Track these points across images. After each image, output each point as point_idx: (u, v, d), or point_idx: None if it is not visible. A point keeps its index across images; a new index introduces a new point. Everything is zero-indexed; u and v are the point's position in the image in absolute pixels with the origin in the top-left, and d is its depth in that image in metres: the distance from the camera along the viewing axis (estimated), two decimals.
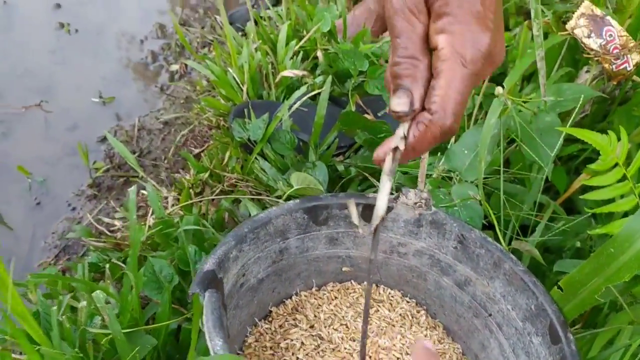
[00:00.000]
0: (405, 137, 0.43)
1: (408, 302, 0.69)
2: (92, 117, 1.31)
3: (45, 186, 1.20)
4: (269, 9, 1.24)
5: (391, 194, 0.45)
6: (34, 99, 1.31)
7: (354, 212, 0.46)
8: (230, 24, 1.41)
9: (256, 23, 1.13)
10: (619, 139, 0.72)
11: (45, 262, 1.09)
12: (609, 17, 0.77)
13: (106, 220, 0.98)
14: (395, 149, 0.43)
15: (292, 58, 0.99)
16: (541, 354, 0.53)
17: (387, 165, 0.43)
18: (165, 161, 1.18)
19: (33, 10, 1.43)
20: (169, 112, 1.31)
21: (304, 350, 0.60)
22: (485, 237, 0.61)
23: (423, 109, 0.42)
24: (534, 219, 0.72)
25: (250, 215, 0.80)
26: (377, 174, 0.85)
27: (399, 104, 0.42)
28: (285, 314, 0.65)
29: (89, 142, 1.26)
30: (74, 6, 1.45)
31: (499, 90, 0.68)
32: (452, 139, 0.75)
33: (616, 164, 0.62)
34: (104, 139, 1.27)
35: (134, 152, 1.24)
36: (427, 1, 0.43)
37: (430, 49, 0.43)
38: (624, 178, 0.62)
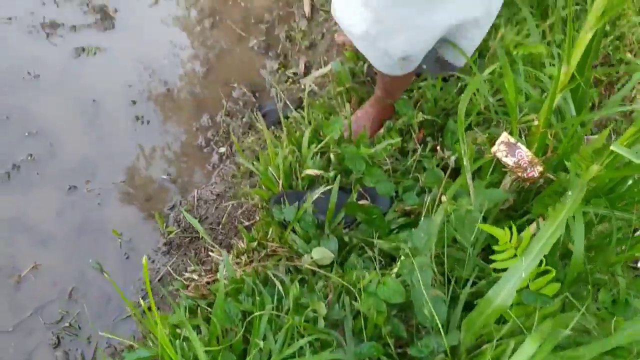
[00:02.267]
0: None
1: None
2: (163, 190, 1.74)
3: (131, 244, 1.64)
4: (293, 111, 1.68)
5: None
6: (119, 177, 1.75)
7: None
8: (263, 116, 1.86)
9: (286, 118, 1.57)
10: (529, 223, 1.14)
11: (136, 302, 1.51)
12: (519, 144, 1.18)
13: (186, 274, 1.40)
14: None
15: (312, 158, 1.42)
16: None
17: None
18: (220, 226, 1.61)
19: (115, 106, 1.89)
20: (220, 186, 1.74)
21: None
22: None
23: None
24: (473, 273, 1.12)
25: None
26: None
27: None
28: None
29: (161, 209, 1.70)
30: (145, 103, 1.90)
31: (444, 197, 1.10)
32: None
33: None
34: (172, 207, 1.71)
35: (194, 218, 1.67)
36: None
37: None
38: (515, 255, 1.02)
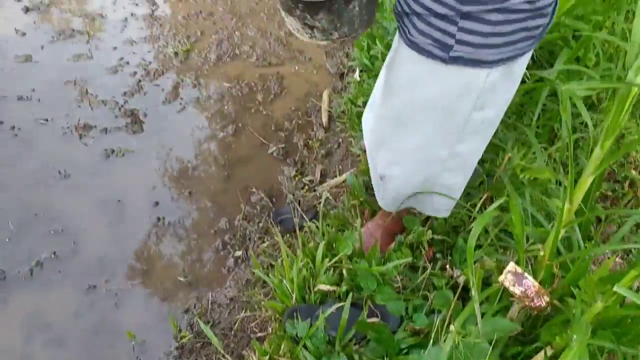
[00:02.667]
0: None
1: None
2: (179, 291, 1.79)
3: (144, 347, 1.66)
4: (308, 222, 1.75)
5: None
6: (137, 277, 1.81)
7: None
8: (280, 223, 1.93)
9: (301, 228, 1.63)
10: (537, 351, 1.16)
11: None
12: (526, 274, 1.23)
13: None
14: None
15: (325, 272, 1.47)
16: None
17: None
18: (232, 333, 1.64)
19: (138, 207, 1.97)
20: (234, 290, 1.78)
21: None
22: None
23: None
24: None
25: None
26: None
27: None
28: None
29: (175, 312, 1.74)
30: (167, 204, 1.99)
31: (452, 327, 1.13)
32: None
33: None
34: (187, 310, 1.75)
35: (207, 322, 1.70)
36: None
37: None
38: None
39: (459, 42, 1.01)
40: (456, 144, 1.23)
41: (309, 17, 1.10)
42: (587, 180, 1.08)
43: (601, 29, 1.85)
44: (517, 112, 1.85)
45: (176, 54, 2.50)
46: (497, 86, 1.11)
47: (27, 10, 2.67)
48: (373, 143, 1.36)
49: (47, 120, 2.20)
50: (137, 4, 2.74)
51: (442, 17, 1.00)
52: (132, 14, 2.69)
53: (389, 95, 1.23)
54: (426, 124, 1.19)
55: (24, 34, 2.55)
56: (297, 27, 1.14)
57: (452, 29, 1.00)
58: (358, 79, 2.34)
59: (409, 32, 1.06)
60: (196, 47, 2.55)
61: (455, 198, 1.39)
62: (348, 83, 2.39)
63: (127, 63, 2.45)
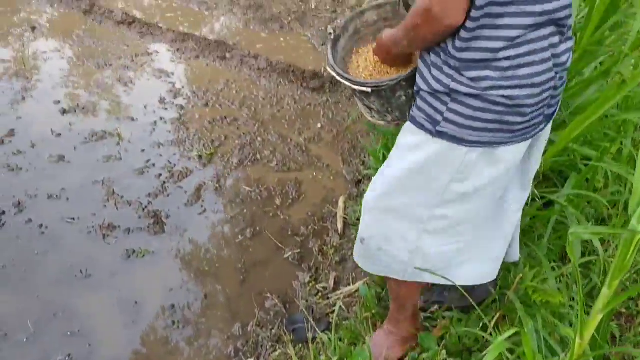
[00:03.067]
0: None
1: None
2: None
3: None
4: (318, 333, 1.77)
5: None
6: None
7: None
8: (293, 331, 1.95)
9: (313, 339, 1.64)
10: None
11: None
12: None
13: None
14: None
15: None
16: None
17: None
18: None
19: (154, 309, 2.01)
20: None
21: None
22: None
23: None
24: None
25: None
26: None
27: None
28: None
29: None
30: (183, 307, 2.02)
31: None
32: None
33: None
34: None
35: None
36: None
37: None
38: None
39: (446, 120, 1.20)
40: (435, 208, 1.35)
41: (365, 99, 1.37)
42: (596, 318, 1.11)
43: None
44: (528, 231, 1.90)
45: (200, 157, 2.63)
46: (478, 165, 1.26)
47: (64, 112, 2.85)
48: (365, 209, 1.46)
49: (73, 219, 2.29)
50: (166, 109, 2.92)
51: (436, 96, 1.20)
52: (161, 118, 2.85)
53: (387, 164, 1.40)
54: (411, 185, 1.34)
55: (59, 135, 2.71)
56: (361, 107, 1.45)
57: (442, 108, 1.20)
58: None
59: (411, 108, 1.28)
60: (220, 151, 2.68)
61: (439, 276, 1.43)
62: (363, 191, 2.47)
63: (154, 165, 2.57)
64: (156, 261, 2.18)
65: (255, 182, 2.54)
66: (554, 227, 1.88)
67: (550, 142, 1.83)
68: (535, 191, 1.86)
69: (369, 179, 2.50)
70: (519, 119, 1.18)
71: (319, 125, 2.88)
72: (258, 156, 2.68)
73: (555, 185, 2.08)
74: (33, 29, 3.48)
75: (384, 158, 2.41)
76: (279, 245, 2.27)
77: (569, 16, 1.16)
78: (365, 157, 2.64)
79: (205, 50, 3.35)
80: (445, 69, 1.17)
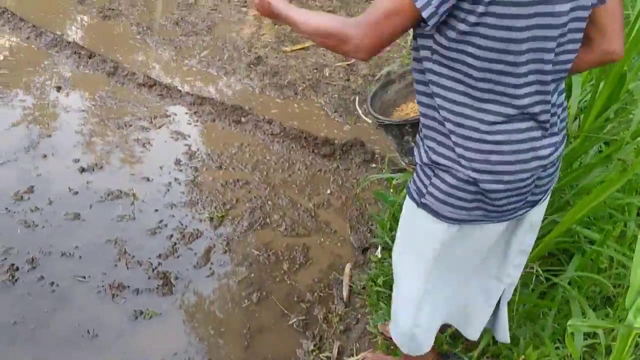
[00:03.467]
0: None
1: None
2: None
3: None
4: None
5: None
6: None
7: None
8: None
9: None
10: None
11: None
12: None
13: None
14: None
15: None
16: None
17: None
18: None
19: None
20: None
21: None
22: None
23: None
24: None
25: None
26: None
27: None
28: None
29: None
30: (186, 355, 2.03)
31: None
32: None
33: None
34: None
35: None
36: None
37: None
38: None
39: (429, 193, 1.27)
40: (425, 283, 1.43)
41: (384, 133, 1.59)
42: None
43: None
44: (531, 312, 1.91)
45: (211, 219, 2.69)
46: (456, 243, 1.34)
47: (82, 170, 2.94)
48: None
49: (84, 277, 2.34)
50: (181, 170, 3.00)
51: (423, 169, 1.28)
52: (175, 179, 2.94)
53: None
54: (407, 254, 1.46)
55: (76, 193, 2.80)
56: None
57: (427, 181, 1.28)
58: (379, 256, 2.46)
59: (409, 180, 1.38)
60: (231, 214, 2.74)
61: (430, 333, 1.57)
62: (370, 259, 2.50)
63: (166, 226, 2.63)
64: (163, 323, 2.20)
65: (263, 246, 2.58)
66: (559, 306, 1.89)
67: (554, 222, 1.88)
68: (539, 270, 1.89)
69: (376, 247, 2.54)
70: (491, 203, 1.23)
71: (329, 192, 2.94)
72: (268, 220, 2.73)
73: (560, 263, 2.10)
74: (58, 88, 3.64)
75: (391, 227, 2.47)
76: (285, 311, 2.28)
77: (548, 112, 1.18)
78: (372, 225, 2.69)
79: (222, 113, 3.47)
80: (430, 142, 1.25)
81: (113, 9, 4.74)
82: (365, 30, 1.06)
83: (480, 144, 1.17)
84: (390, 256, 2.34)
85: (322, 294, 2.38)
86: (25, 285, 2.29)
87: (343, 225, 2.73)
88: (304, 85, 3.83)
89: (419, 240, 1.38)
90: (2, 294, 2.25)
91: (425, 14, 1.02)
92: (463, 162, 1.19)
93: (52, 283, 2.30)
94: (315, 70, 4.03)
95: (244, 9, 4.88)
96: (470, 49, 1.08)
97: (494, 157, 1.17)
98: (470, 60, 1.09)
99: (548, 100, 1.17)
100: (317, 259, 2.55)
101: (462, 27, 1.05)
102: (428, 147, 1.25)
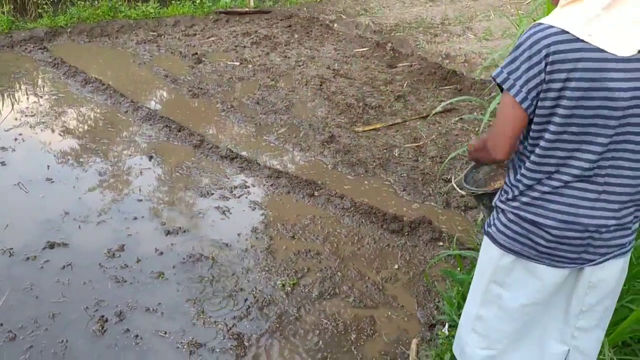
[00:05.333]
0: None
1: None
2: None
3: None
4: None
5: None
6: None
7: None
8: None
9: None
10: None
11: None
12: None
13: None
14: None
15: None
16: None
17: None
18: None
19: None
20: None
21: None
22: None
23: None
24: None
25: None
26: None
27: None
28: None
29: None
30: None
31: None
32: None
33: None
34: None
35: None
36: None
37: None
38: None
39: (494, 224, 1.62)
40: (479, 307, 1.69)
41: (476, 203, 2.12)
42: None
43: None
44: None
45: (284, 286, 2.82)
46: (514, 274, 1.58)
47: (167, 233, 3.19)
48: None
49: (165, 333, 2.50)
50: (257, 238, 3.19)
51: (496, 207, 1.63)
52: (252, 246, 3.12)
53: None
54: (475, 277, 1.75)
55: (161, 253, 3.02)
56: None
57: (495, 215, 1.63)
58: (447, 333, 2.49)
59: None
60: (302, 282, 2.87)
61: None
62: (437, 335, 2.53)
63: (241, 289, 2.79)
64: None
65: (332, 316, 2.67)
66: None
67: (630, 310, 1.88)
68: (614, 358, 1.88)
69: (442, 324, 2.57)
70: (542, 242, 1.49)
71: (396, 267, 3.03)
72: (337, 290, 2.83)
73: (634, 353, 2.08)
74: (150, 158, 4.00)
75: (459, 305, 2.51)
76: None
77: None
78: (440, 302, 2.73)
79: (296, 187, 3.68)
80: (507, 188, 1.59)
81: (201, 88, 5.21)
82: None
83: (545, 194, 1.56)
84: None
85: None
86: (112, 336, 2.48)
87: (410, 300, 2.79)
88: (374, 164, 4.02)
89: (482, 262, 1.69)
90: (92, 342, 2.44)
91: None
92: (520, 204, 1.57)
93: (137, 336, 2.48)
94: (385, 150, 4.22)
95: (319, 92, 5.23)
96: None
97: (552, 206, 1.50)
98: None
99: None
100: (383, 332, 2.61)
101: None
102: (504, 191, 1.64)
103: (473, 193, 1.88)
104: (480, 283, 1.69)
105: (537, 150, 1.44)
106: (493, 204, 1.65)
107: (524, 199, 1.50)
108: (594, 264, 1.49)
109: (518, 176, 1.52)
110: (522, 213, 1.51)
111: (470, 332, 1.73)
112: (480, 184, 1.96)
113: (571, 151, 1.40)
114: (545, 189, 1.46)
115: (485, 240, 1.65)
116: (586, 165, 1.40)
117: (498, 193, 1.65)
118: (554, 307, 1.58)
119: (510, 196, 1.55)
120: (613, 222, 1.44)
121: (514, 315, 1.60)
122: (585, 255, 1.48)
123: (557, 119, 1.38)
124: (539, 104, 1.39)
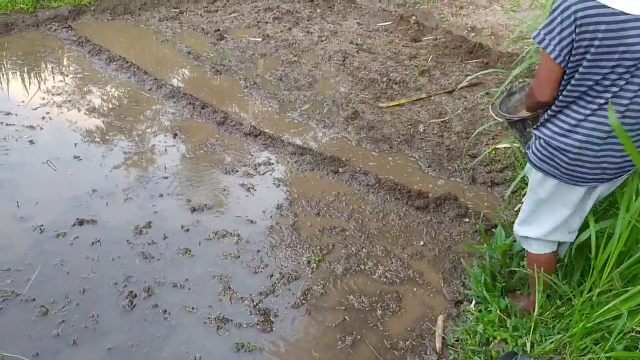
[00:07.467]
0: None
1: None
2: None
3: None
4: None
5: None
6: None
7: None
8: None
9: None
10: None
11: None
12: None
13: None
14: None
15: None
16: None
17: None
18: None
19: None
20: None
21: None
22: None
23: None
24: None
25: None
26: None
27: None
28: None
29: None
30: None
31: None
32: None
33: None
34: None
35: None
36: None
37: None
38: None
39: (530, 148, 2.06)
40: (530, 205, 2.18)
41: (509, 128, 2.56)
42: None
43: None
44: None
45: (309, 262, 2.83)
46: (549, 191, 2.05)
47: (193, 210, 3.21)
48: None
49: (193, 308, 2.53)
50: (282, 215, 3.20)
51: (522, 131, 2.16)
52: (277, 223, 3.13)
53: None
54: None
55: (187, 230, 3.05)
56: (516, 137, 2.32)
57: (532, 140, 2.06)
58: (474, 309, 2.47)
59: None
60: (327, 259, 2.87)
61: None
62: (463, 311, 2.52)
63: (267, 266, 2.80)
64: (262, 357, 2.33)
65: (358, 292, 2.67)
66: None
67: None
68: None
69: (469, 301, 2.56)
70: (565, 160, 1.91)
71: (422, 243, 3.01)
72: (362, 267, 2.83)
73: None
74: (174, 135, 4.02)
75: (485, 282, 2.48)
76: (378, 357, 2.34)
77: None
78: (465, 278, 2.71)
79: (320, 164, 3.66)
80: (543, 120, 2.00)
81: (224, 65, 5.19)
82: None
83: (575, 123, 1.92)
84: (486, 311, 2.36)
85: (414, 343, 2.42)
86: (141, 311, 2.52)
87: (436, 277, 2.78)
88: (399, 140, 3.97)
89: (531, 179, 2.13)
90: (122, 317, 2.49)
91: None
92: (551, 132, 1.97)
93: (165, 311, 2.52)
94: (409, 126, 4.16)
95: (342, 67, 5.17)
96: None
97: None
98: None
99: None
100: (409, 308, 2.61)
101: None
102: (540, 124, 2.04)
103: (508, 120, 2.23)
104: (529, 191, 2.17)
105: (565, 91, 1.84)
106: (527, 130, 2.09)
107: (554, 129, 1.91)
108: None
109: (549, 112, 1.92)
110: (550, 140, 1.92)
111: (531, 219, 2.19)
112: (511, 110, 2.30)
113: (593, 90, 1.79)
114: (570, 120, 1.86)
115: (528, 165, 2.16)
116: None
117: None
118: (574, 211, 2.08)
119: (542, 125, 1.98)
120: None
121: (557, 211, 2.09)
122: (604, 176, 1.92)
123: (581, 69, 1.76)
124: (571, 58, 1.76)
